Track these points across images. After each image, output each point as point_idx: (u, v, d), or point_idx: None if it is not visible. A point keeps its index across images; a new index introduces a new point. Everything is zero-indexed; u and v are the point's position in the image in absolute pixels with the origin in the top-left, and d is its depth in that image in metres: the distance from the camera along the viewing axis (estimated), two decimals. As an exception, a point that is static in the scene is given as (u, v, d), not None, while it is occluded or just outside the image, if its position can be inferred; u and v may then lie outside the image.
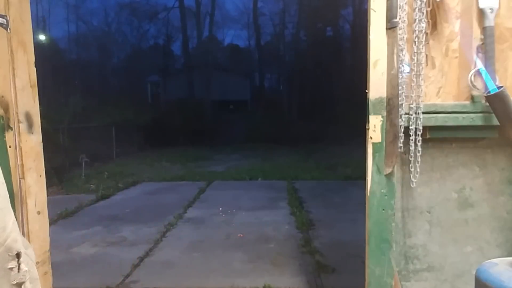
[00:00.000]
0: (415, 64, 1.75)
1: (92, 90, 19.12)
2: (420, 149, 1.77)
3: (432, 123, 1.76)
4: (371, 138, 1.77)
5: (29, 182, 1.80)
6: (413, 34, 1.74)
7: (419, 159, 1.79)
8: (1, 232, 0.83)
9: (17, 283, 0.86)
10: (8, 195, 0.91)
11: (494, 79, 1.68)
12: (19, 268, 0.86)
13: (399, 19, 1.71)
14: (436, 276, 1.92)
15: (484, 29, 1.71)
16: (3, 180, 0.91)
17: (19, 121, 1.76)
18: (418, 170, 1.80)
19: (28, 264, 0.91)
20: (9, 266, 0.85)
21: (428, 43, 1.77)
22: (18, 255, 0.87)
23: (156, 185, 8.01)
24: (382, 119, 1.75)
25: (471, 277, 1.52)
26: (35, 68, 1.84)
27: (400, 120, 1.75)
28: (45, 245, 1.93)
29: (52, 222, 4.52)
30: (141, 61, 26.64)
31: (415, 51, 1.74)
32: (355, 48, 20.12)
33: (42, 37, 18.25)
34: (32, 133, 1.84)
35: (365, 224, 1.85)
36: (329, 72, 21.32)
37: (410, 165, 1.81)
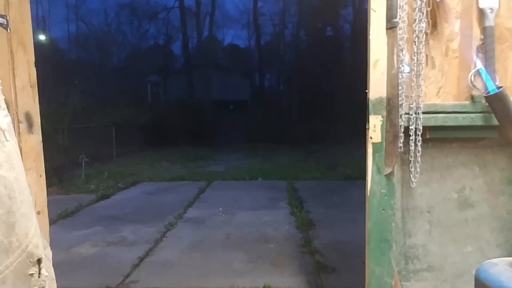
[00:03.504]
0: (415, 64, 1.76)
1: (92, 90, 19.12)
2: (420, 149, 1.77)
3: (432, 123, 1.76)
4: (371, 138, 1.77)
5: (29, 182, 1.79)
6: (413, 34, 1.74)
7: (419, 159, 1.79)
8: (23, 239, 0.84)
9: None
10: (31, 200, 0.91)
11: (494, 79, 1.68)
12: (39, 274, 0.87)
13: (399, 19, 1.71)
14: (436, 276, 1.92)
15: (484, 29, 1.71)
16: (27, 185, 0.91)
17: (19, 121, 1.76)
18: (418, 170, 1.80)
19: (47, 266, 0.92)
20: (30, 272, 0.85)
21: (428, 43, 1.77)
22: (39, 261, 0.87)
23: (156, 185, 8.00)
24: (382, 119, 1.75)
25: (471, 277, 1.52)
26: (35, 68, 1.83)
27: (400, 120, 1.75)
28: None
29: (52, 222, 4.52)
30: (141, 61, 26.64)
31: (415, 51, 1.74)
32: (355, 48, 20.11)
33: (42, 37, 18.26)
34: (32, 133, 1.83)
35: (365, 224, 1.85)
36: (329, 72, 21.31)
37: (410, 165, 1.81)
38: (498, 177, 1.87)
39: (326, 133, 15.79)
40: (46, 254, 0.95)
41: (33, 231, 0.88)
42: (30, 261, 0.85)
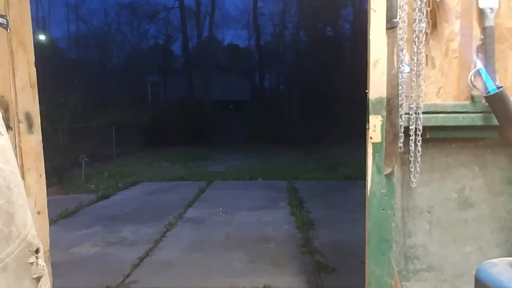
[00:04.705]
0: (415, 64, 1.75)
1: (92, 90, 19.11)
2: (420, 149, 1.77)
3: (432, 123, 1.76)
4: (371, 138, 1.77)
5: (29, 182, 1.80)
6: (413, 34, 1.74)
7: (419, 159, 1.79)
8: (22, 229, 0.86)
9: (37, 277, 0.89)
10: (25, 194, 0.94)
11: (494, 79, 1.68)
12: (37, 263, 0.89)
13: (399, 19, 1.71)
14: (436, 276, 1.92)
15: (484, 29, 1.71)
16: (21, 179, 0.93)
17: (19, 121, 1.76)
18: (418, 170, 1.80)
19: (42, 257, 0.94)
20: (30, 261, 0.87)
21: (428, 43, 1.77)
22: (37, 250, 0.90)
23: (156, 185, 8.01)
24: (382, 119, 1.75)
25: (471, 277, 1.52)
26: (35, 68, 1.83)
27: (400, 120, 1.75)
28: (45, 245, 1.93)
29: (52, 222, 4.51)
30: (141, 61, 26.65)
31: (415, 51, 1.74)
32: (355, 48, 20.11)
33: (42, 37, 18.27)
34: (32, 133, 1.83)
35: (365, 224, 1.85)
36: (329, 72, 21.31)
37: (410, 165, 1.81)
38: (498, 177, 1.87)
39: (326, 133, 15.80)
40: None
41: (30, 222, 0.90)
42: (29, 250, 0.87)
